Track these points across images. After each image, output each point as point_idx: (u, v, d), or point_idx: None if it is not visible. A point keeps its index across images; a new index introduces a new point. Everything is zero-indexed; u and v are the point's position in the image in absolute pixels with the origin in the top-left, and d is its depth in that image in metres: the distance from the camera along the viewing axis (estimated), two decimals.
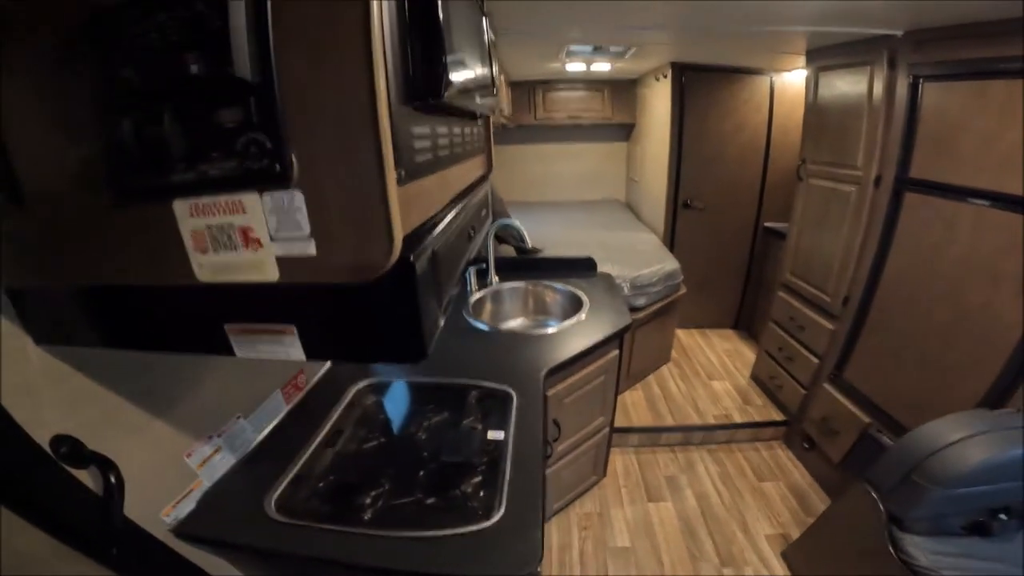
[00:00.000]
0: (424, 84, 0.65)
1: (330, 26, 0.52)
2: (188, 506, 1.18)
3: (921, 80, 2.17)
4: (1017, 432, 1.52)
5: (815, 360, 2.85)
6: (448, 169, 0.94)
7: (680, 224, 4.07)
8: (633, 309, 3.06)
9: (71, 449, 0.89)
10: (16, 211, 0.64)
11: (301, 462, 1.37)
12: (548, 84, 4.60)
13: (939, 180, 2.10)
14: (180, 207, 0.59)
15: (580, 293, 2.52)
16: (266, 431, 1.47)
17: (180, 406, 1.14)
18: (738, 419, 3.22)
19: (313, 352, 0.70)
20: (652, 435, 3.14)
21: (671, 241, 4.09)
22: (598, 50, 3.24)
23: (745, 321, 4.34)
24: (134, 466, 0.98)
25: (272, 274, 0.60)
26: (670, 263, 3.33)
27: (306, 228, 0.58)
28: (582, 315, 2.28)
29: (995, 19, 1.78)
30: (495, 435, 1.52)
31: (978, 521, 1.62)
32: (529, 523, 1.16)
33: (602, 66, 3.73)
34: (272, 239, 0.59)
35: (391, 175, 0.56)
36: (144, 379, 1.03)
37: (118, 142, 0.56)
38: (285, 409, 1.57)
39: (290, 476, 1.31)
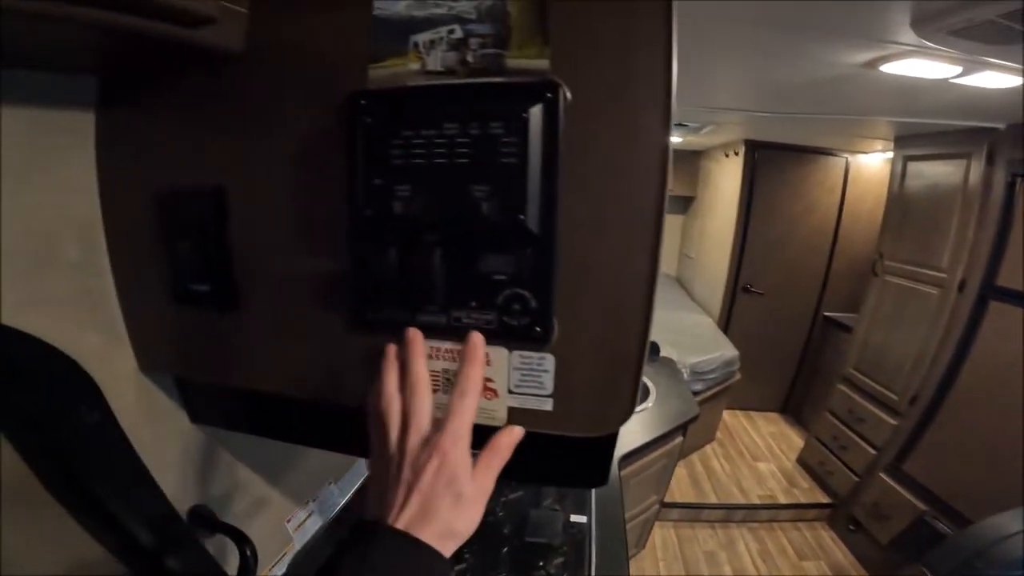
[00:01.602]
0: None
1: (628, 201, 0.49)
2: (280, 569, 1.15)
3: (1020, 179, 2.10)
4: None
5: (872, 451, 2.74)
6: None
7: (737, 307, 3.95)
8: None
9: (205, 520, 0.87)
10: (224, 316, 0.63)
11: None
12: None
13: None
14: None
15: (645, 379, 2.46)
16: (349, 493, 1.45)
17: (289, 475, 1.13)
18: (783, 500, 3.11)
19: None
20: (693, 511, 3.04)
21: (726, 323, 3.97)
22: (676, 126, 3.21)
23: (794, 407, 4.19)
24: (252, 535, 0.95)
25: (500, 420, 0.58)
26: (729, 350, 3.26)
27: (548, 388, 0.55)
28: (649, 402, 2.25)
29: None
30: (578, 519, 1.48)
31: None
32: None
33: (673, 139, 3.69)
34: (510, 392, 0.56)
35: (647, 345, 0.52)
36: (265, 452, 1.02)
37: (375, 269, 0.53)
38: (366, 471, 1.54)
39: None
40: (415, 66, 0.50)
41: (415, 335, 0.50)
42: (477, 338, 0.50)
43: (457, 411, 0.46)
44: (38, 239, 0.58)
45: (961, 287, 2.32)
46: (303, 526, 1.22)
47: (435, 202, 0.49)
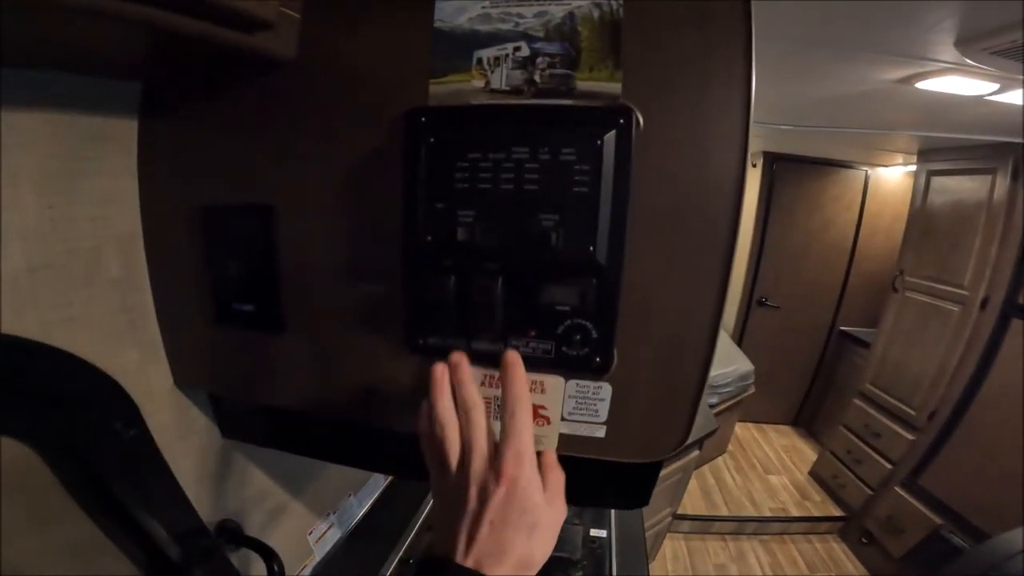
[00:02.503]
0: None
1: (698, 234, 0.46)
2: None
3: None
4: None
5: (888, 465, 2.69)
6: None
7: (752, 320, 3.89)
8: None
9: (233, 535, 0.85)
10: (266, 336, 0.60)
11: (405, 545, 1.31)
12: None
13: None
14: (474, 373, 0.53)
15: None
16: (367, 505, 1.43)
17: (311, 487, 1.11)
18: (795, 513, 3.05)
19: None
20: (704, 523, 2.99)
21: (740, 336, 3.92)
22: None
23: (805, 420, 4.12)
24: (275, 546, 0.93)
25: (551, 446, 0.55)
26: (744, 364, 3.21)
27: (603, 416, 0.53)
28: None
29: None
30: (598, 532, 1.44)
31: None
32: None
33: None
34: (563, 419, 0.53)
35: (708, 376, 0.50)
36: (288, 464, 0.99)
37: (432, 295, 0.50)
38: (384, 483, 1.52)
39: (396, 560, 1.25)
40: (478, 83, 0.47)
41: (460, 359, 0.46)
42: (513, 355, 0.45)
43: (513, 430, 0.42)
44: (78, 254, 0.55)
45: (983, 305, 2.27)
46: (323, 538, 1.20)
47: (501, 230, 0.46)
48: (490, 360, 0.50)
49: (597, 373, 0.50)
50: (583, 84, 0.46)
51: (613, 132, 0.43)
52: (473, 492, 0.41)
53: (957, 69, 1.35)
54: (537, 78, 0.46)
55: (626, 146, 0.43)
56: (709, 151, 0.45)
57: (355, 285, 0.55)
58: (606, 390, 0.52)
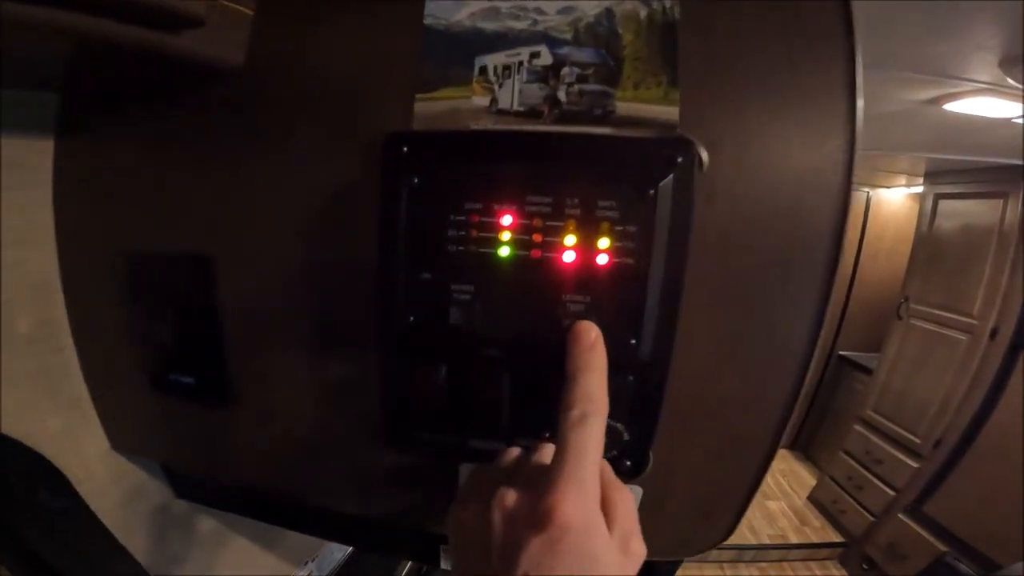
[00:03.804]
0: None
1: (777, 308, 0.34)
2: None
3: None
4: None
5: (890, 492, 2.54)
6: None
7: None
8: None
9: None
10: (218, 412, 0.47)
11: None
12: None
13: None
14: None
15: None
16: (348, 551, 1.30)
17: (286, 536, 0.98)
18: (794, 539, 2.91)
19: None
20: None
21: None
22: None
23: (803, 444, 3.97)
24: None
25: None
26: None
27: None
28: None
29: None
30: None
31: None
32: None
33: None
34: None
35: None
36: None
37: (415, 386, 0.36)
38: None
39: None
40: (481, 101, 0.34)
41: None
42: (586, 327, 0.31)
43: (572, 445, 0.27)
44: None
45: (993, 335, 2.14)
46: None
47: (510, 315, 0.32)
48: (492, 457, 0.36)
49: (626, 477, 0.38)
50: (625, 106, 0.32)
51: (671, 178, 0.29)
52: (499, 528, 0.26)
53: (992, 90, 1.23)
54: (563, 96, 0.33)
55: (687, 197, 0.30)
56: (800, 199, 0.32)
57: (320, 356, 0.41)
58: (635, 493, 0.40)
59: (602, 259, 0.30)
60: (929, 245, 2.52)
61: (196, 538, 0.73)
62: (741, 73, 0.32)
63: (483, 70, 0.34)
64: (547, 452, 0.31)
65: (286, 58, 0.38)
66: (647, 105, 0.32)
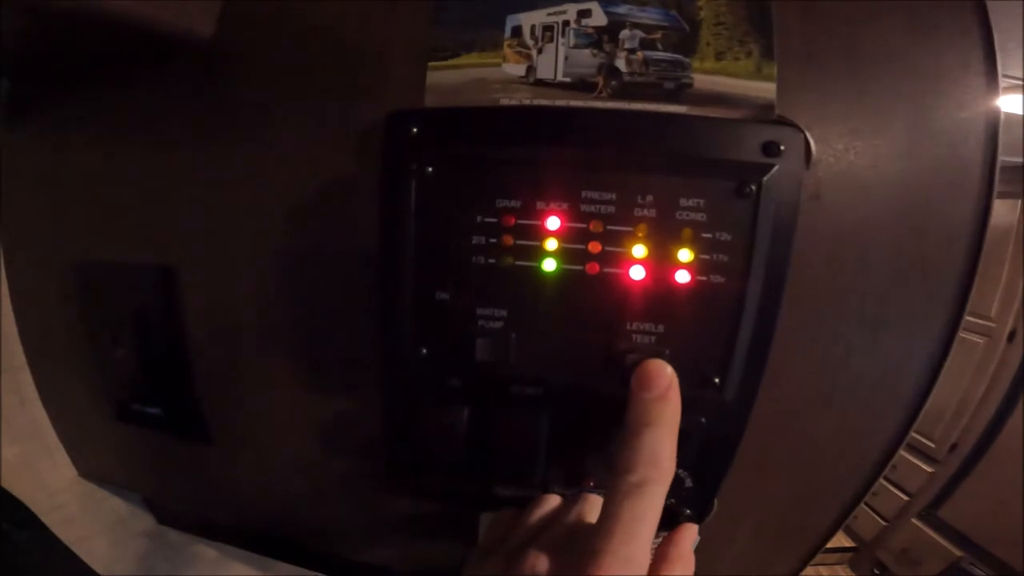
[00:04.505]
0: None
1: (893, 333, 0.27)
2: None
3: None
4: None
5: (904, 497, 2.47)
6: None
7: None
8: None
9: None
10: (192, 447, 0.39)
11: None
12: None
13: None
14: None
15: None
16: None
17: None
18: None
19: None
20: None
21: None
22: None
23: None
24: None
25: None
26: None
27: None
28: None
29: None
30: None
31: None
32: None
33: None
34: None
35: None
36: None
37: (428, 428, 0.28)
38: None
39: None
40: (514, 69, 0.26)
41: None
42: (658, 368, 0.23)
43: (624, 515, 0.21)
44: None
45: (1011, 338, 2.09)
46: None
47: (555, 347, 0.24)
48: (521, 504, 0.29)
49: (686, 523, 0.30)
50: (704, 79, 0.25)
51: (776, 170, 0.21)
52: None
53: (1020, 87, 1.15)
54: (622, 64, 0.25)
55: (793, 197, 0.22)
56: (928, 205, 0.25)
57: (310, 384, 0.34)
58: (691, 534, 0.32)
59: (682, 276, 0.23)
60: None
61: (189, 561, 0.68)
62: (852, 44, 0.24)
63: (516, 31, 0.26)
64: (592, 506, 0.26)
65: (265, 23, 0.30)
66: (734, 80, 0.24)
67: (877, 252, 0.26)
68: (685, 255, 0.22)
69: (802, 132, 0.23)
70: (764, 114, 0.24)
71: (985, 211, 0.25)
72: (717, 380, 0.24)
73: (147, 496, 0.52)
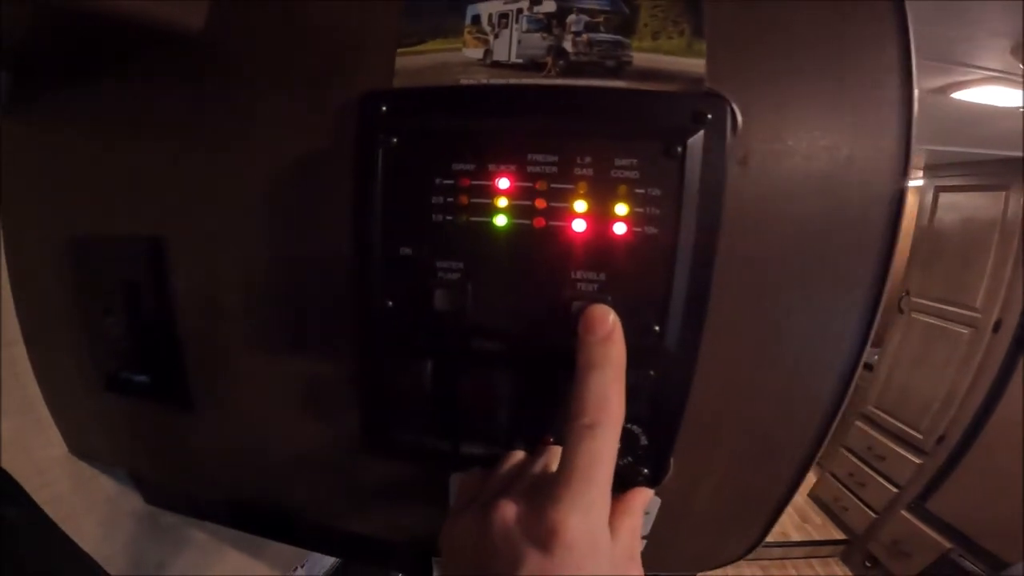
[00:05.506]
0: None
1: (824, 290, 0.29)
2: None
3: None
4: None
5: (893, 489, 2.50)
6: None
7: None
8: None
9: None
10: (178, 414, 0.41)
11: None
12: None
13: None
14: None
15: None
16: None
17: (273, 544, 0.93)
18: (795, 537, 2.87)
19: None
20: None
21: None
22: None
23: None
24: None
25: None
26: None
27: (643, 530, 0.36)
28: None
29: None
30: None
31: None
32: None
33: None
34: None
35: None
36: None
37: (397, 384, 0.31)
38: None
39: None
40: (473, 52, 0.29)
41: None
42: (601, 311, 0.26)
43: (580, 458, 0.23)
44: None
45: (996, 328, 2.11)
46: None
47: (508, 296, 0.27)
48: (488, 463, 0.31)
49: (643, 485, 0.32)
50: (642, 57, 0.27)
51: (701, 134, 0.24)
52: (497, 542, 0.24)
53: (1003, 79, 1.18)
54: (569, 46, 0.28)
55: (720, 157, 0.25)
56: (850, 165, 0.27)
57: (292, 352, 0.36)
58: (653, 503, 0.35)
59: (619, 228, 0.25)
60: (930, 239, 2.48)
61: (179, 543, 0.69)
62: (778, 22, 0.27)
63: (476, 19, 0.29)
64: (553, 456, 0.28)
65: (252, 18, 0.33)
66: (668, 56, 0.27)
67: (804, 213, 0.28)
68: (621, 209, 0.25)
69: (727, 102, 0.26)
70: (694, 87, 0.27)
71: (903, 172, 0.28)
72: (657, 328, 0.26)
73: (134, 471, 0.53)
